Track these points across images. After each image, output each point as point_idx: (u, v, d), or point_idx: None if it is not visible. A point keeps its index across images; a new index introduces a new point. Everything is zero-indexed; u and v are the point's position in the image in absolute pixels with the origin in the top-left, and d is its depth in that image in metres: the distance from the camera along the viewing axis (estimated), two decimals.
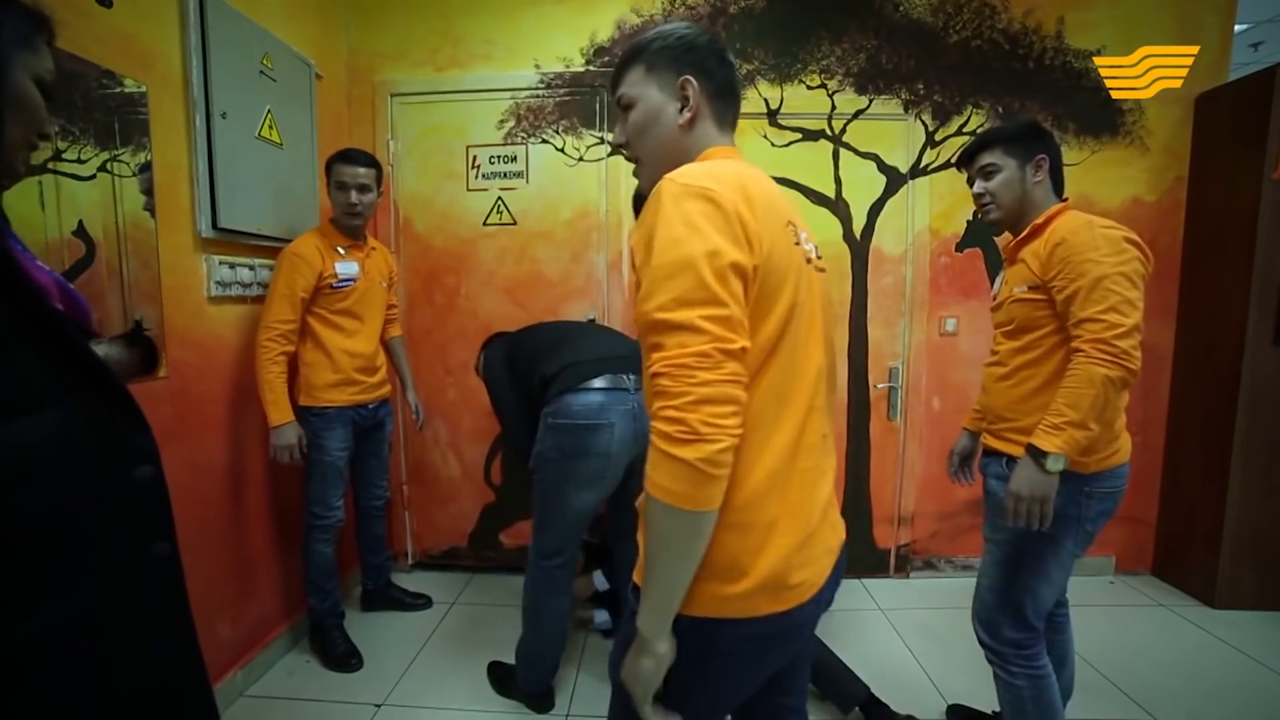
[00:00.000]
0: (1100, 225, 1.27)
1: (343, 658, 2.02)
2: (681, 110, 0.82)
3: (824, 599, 0.81)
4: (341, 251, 1.99)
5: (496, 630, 2.22)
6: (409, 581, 2.57)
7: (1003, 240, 1.48)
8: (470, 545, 2.74)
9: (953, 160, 1.55)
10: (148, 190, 1.57)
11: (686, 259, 0.65)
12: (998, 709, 1.61)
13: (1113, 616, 2.29)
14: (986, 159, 1.43)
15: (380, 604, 2.38)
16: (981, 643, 1.43)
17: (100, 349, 0.83)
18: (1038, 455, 1.22)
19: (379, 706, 1.84)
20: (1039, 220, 1.37)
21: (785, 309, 0.73)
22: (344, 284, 1.98)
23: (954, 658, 2.06)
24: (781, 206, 0.77)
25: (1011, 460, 1.35)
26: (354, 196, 1.95)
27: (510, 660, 1.90)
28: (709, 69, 0.83)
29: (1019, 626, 1.36)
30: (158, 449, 0.67)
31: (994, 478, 1.41)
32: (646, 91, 0.84)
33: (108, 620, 0.60)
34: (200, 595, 1.74)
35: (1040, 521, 1.23)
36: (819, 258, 0.86)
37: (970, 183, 1.49)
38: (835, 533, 0.85)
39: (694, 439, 0.63)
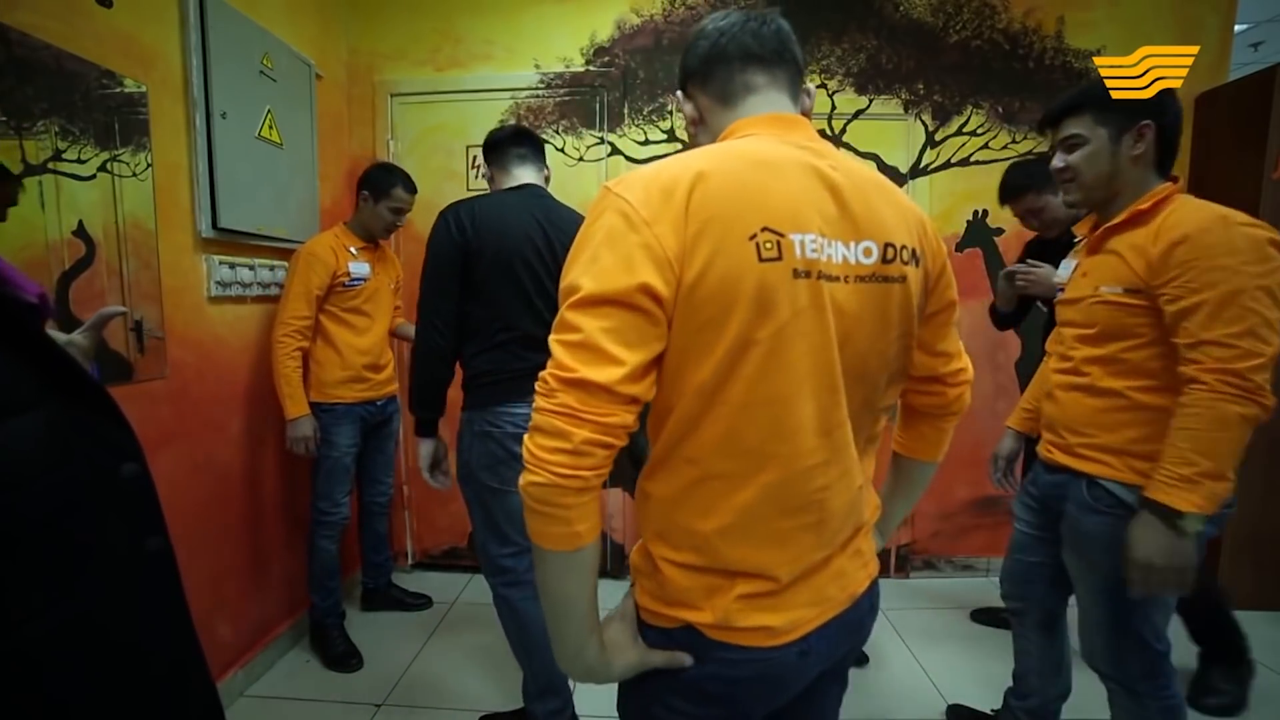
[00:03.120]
0: (1239, 222, 1.02)
1: (342, 657, 2.03)
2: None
3: (812, 650, 0.69)
4: (354, 252, 2.07)
5: (496, 630, 2.22)
6: (409, 581, 2.57)
7: (1085, 223, 1.29)
8: (470, 545, 2.74)
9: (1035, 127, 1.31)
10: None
11: (570, 285, 0.60)
12: (996, 708, 1.61)
13: None
14: (1071, 129, 1.19)
15: (380, 604, 2.39)
16: (1104, 675, 1.26)
17: (63, 339, 0.82)
18: (1170, 516, 1.01)
19: (379, 706, 1.84)
20: (1142, 205, 1.12)
21: (733, 342, 0.60)
22: (356, 283, 2.06)
23: (954, 658, 2.07)
24: (775, 205, 0.61)
25: (1094, 483, 1.18)
26: (401, 219, 2.15)
27: (503, 707, 1.77)
28: (691, 67, 0.77)
29: (1143, 652, 1.20)
30: (140, 445, 0.67)
31: (1074, 503, 1.23)
32: (684, 105, 0.81)
33: (108, 618, 0.60)
34: (200, 595, 1.76)
35: (1180, 589, 1.03)
36: (889, 260, 0.66)
37: (1050, 151, 1.27)
38: (841, 583, 0.72)
39: (525, 465, 0.59)
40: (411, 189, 2.13)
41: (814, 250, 0.62)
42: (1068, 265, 1.33)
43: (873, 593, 0.77)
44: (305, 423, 1.94)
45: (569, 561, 0.62)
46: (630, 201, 0.60)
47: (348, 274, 2.03)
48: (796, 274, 0.61)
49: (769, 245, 0.60)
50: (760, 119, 0.71)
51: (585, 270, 0.59)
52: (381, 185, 2.07)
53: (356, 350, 2.06)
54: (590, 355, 0.57)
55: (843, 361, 0.65)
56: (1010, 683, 1.56)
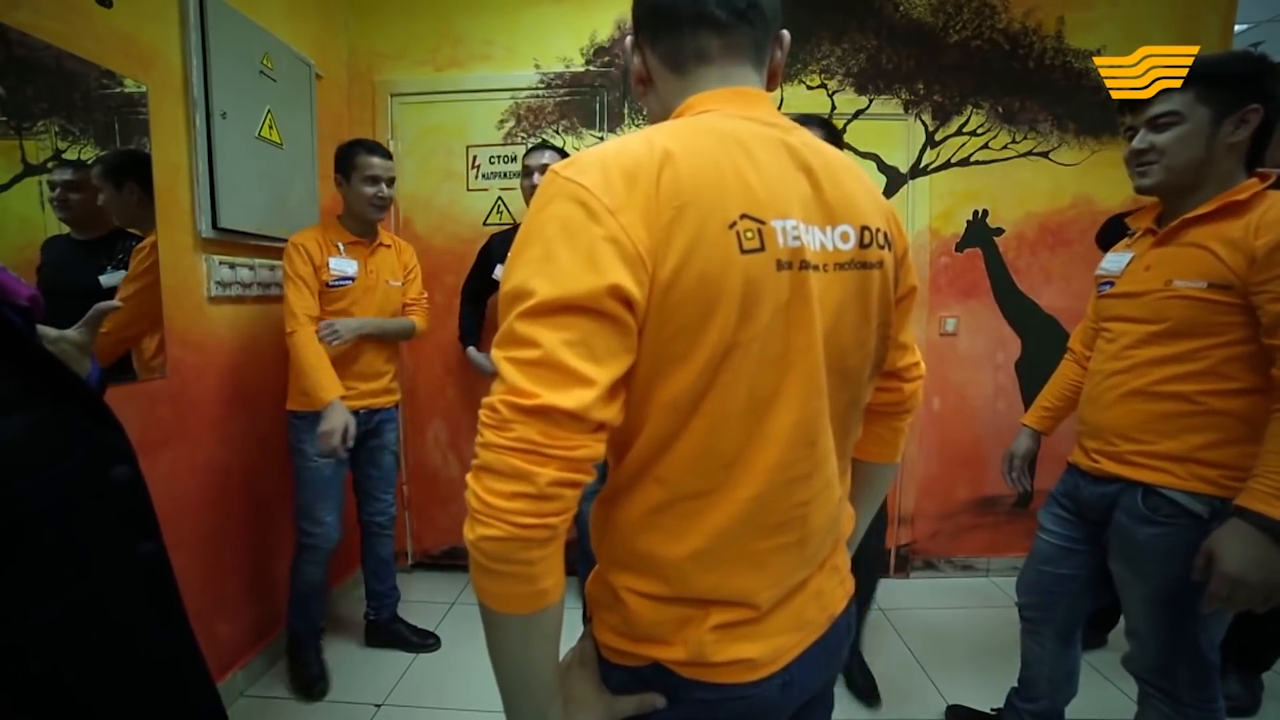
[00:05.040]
0: None
1: (310, 682, 1.89)
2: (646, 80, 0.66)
3: (794, 681, 0.62)
4: (341, 248, 1.92)
5: None
6: (409, 582, 2.57)
7: (1143, 214, 1.23)
8: None
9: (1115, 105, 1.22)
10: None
11: (518, 288, 0.49)
12: (997, 707, 1.61)
13: (1111, 616, 2.29)
14: (1165, 105, 1.08)
15: (384, 639, 2.16)
16: (1148, 683, 1.22)
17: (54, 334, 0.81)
18: (1271, 528, 0.95)
19: (379, 706, 1.84)
20: (1239, 196, 1.04)
21: (714, 348, 0.52)
22: (339, 283, 1.89)
23: (954, 658, 2.06)
24: (751, 188, 0.54)
25: (1151, 492, 1.13)
26: (385, 189, 1.93)
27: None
28: (640, 17, 0.64)
29: (1196, 663, 1.16)
30: (132, 448, 0.66)
31: (1126, 513, 1.18)
32: (630, 58, 0.68)
33: (99, 620, 0.59)
34: (200, 594, 1.76)
35: (1268, 604, 0.97)
36: (866, 245, 0.60)
37: (1128, 133, 1.16)
38: (820, 604, 0.65)
39: (470, 514, 0.48)
40: (380, 153, 1.93)
41: (795, 238, 0.54)
42: (1119, 258, 1.25)
43: (849, 613, 0.71)
44: (336, 411, 1.73)
45: (531, 625, 0.52)
46: (587, 186, 0.50)
47: (330, 273, 1.87)
48: (780, 265, 0.53)
49: (750, 234, 0.52)
50: (717, 94, 0.60)
51: (537, 270, 0.49)
52: (347, 159, 1.91)
53: (336, 357, 1.85)
54: (553, 375, 0.47)
55: (826, 359, 0.58)
56: (1013, 683, 1.55)
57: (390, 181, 1.96)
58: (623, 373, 0.50)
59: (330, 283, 1.88)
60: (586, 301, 0.48)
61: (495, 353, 0.50)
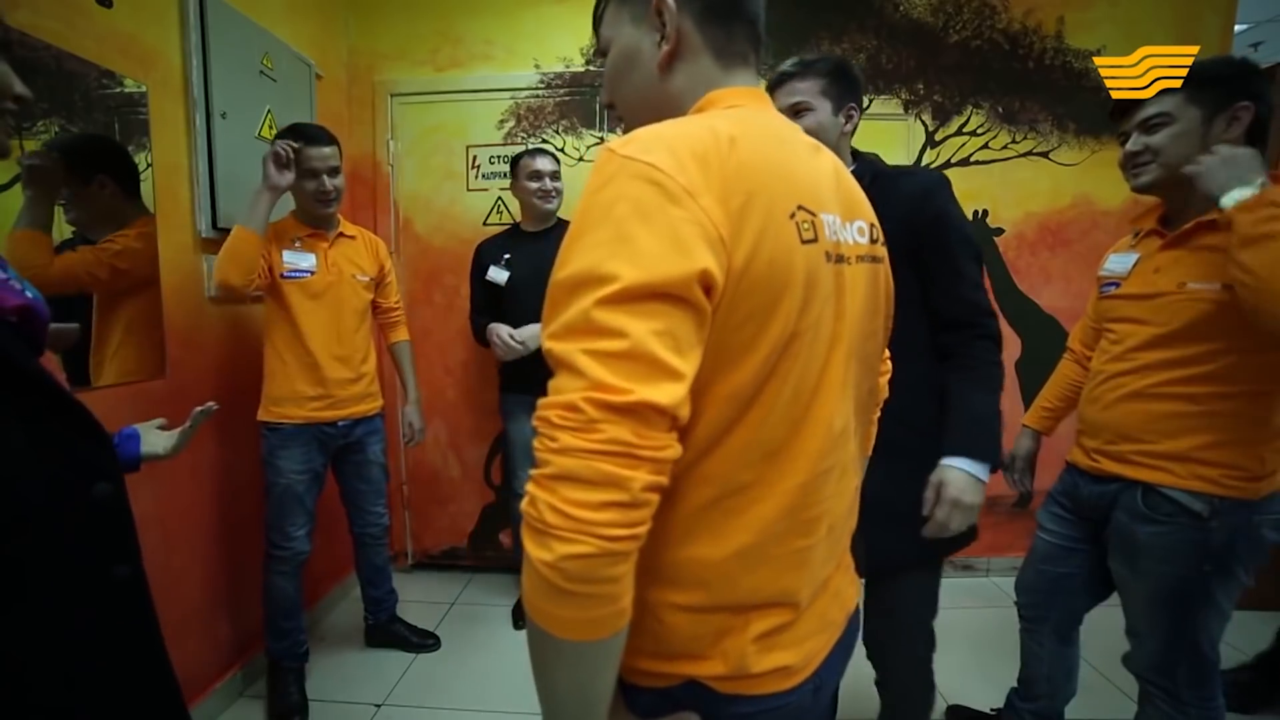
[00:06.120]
0: None
1: (287, 712, 1.76)
2: (660, 43, 0.60)
3: (824, 684, 0.62)
4: (296, 243, 1.77)
5: (496, 630, 2.23)
6: (408, 582, 2.57)
7: (1146, 215, 1.24)
8: (470, 545, 2.74)
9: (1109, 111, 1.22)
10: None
11: (589, 272, 0.45)
12: (997, 707, 1.61)
13: (1111, 616, 2.29)
14: (1154, 108, 1.11)
15: (384, 640, 2.15)
16: (1149, 681, 1.24)
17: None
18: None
19: (379, 706, 1.84)
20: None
21: (778, 338, 0.51)
22: (294, 275, 1.74)
23: (954, 658, 2.06)
24: (800, 180, 0.54)
25: (1152, 491, 1.15)
26: (326, 182, 1.74)
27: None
28: None
29: (1197, 661, 1.17)
30: (117, 464, 0.64)
31: (1126, 512, 1.19)
32: (620, 29, 0.63)
33: (61, 641, 0.56)
34: (200, 595, 1.76)
35: None
36: (875, 240, 0.64)
37: (1121, 139, 1.19)
38: (839, 602, 0.65)
39: (542, 531, 0.43)
40: (319, 141, 1.72)
41: (834, 231, 0.56)
42: (1124, 259, 1.25)
43: (859, 610, 0.71)
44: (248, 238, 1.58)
45: (603, 651, 0.47)
46: (659, 166, 0.47)
47: (282, 264, 1.73)
48: (828, 258, 0.55)
49: (806, 226, 0.52)
50: (741, 91, 0.60)
51: (613, 253, 0.45)
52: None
53: (303, 360, 1.76)
54: (644, 369, 0.43)
55: (852, 349, 0.60)
56: (1014, 683, 1.56)
57: (333, 172, 1.75)
58: (699, 366, 0.48)
59: (284, 274, 1.73)
60: (676, 289, 0.44)
61: (564, 345, 0.45)
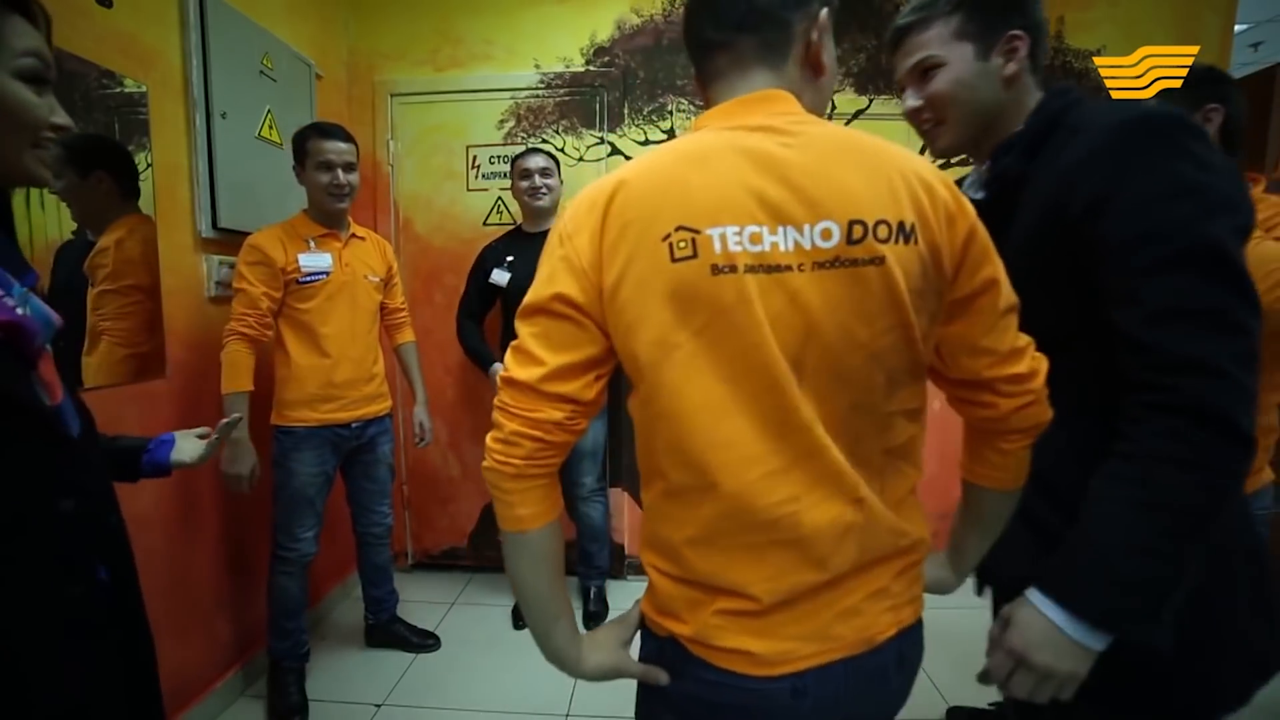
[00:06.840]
0: None
1: (288, 712, 1.77)
2: None
3: (809, 692, 0.63)
4: (311, 243, 1.78)
5: (496, 630, 2.23)
6: (409, 582, 2.57)
7: None
8: (470, 545, 2.74)
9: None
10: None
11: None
12: (996, 701, 1.61)
13: None
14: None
15: (385, 640, 2.15)
16: None
17: None
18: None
19: (379, 706, 1.84)
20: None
21: (651, 347, 0.59)
22: (312, 279, 1.75)
23: (954, 658, 2.06)
24: (694, 201, 0.58)
25: None
26: (341, 176, 1.76)
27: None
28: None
29: None
30: (92, 478, 0.65)
31: None
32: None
33: (16, 664, 0.56)
34: (200, 594, 1.76)
35: None
36: (856, 240, 0.57)
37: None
38: (854, 625, 0.64)
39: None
40: (336, 136, 1.76)
41: (736, 243, 0.56)
42: None
43: (906, 641, 0.67)
44: (244, 452, 1.66)
45: (516, 543, 0.66)
46: (566, 218, 0.64)
47: (299, 269, 1.73)
48: (716, 270, 0.57)
49: (683, 244, 0.57)
50: (718, 110, 0.65)
51: (532, 285, 0.65)
52: (300, 145, 1.77)
53: (318, 363, 1.77)
54: (520, 357, 0.63)
55: (810, 358, 0.58)
56: None
57: (348, 167, 1.78)
58: (583, 359, 0.62)
59: (301, 279, 1.74)
60: (543, 305, 0.62)
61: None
